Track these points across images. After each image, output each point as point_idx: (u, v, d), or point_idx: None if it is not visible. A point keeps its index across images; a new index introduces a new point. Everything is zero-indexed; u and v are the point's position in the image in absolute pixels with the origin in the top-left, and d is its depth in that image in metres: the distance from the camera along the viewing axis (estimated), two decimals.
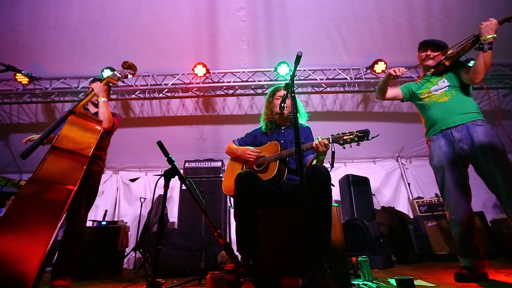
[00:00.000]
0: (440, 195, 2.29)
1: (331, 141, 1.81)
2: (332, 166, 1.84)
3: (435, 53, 2.21)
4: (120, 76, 2.56)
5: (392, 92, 2.40)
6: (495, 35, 1.86)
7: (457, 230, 1.96)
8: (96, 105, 2.52)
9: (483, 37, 1.88)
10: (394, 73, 2.23)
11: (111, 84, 2.62)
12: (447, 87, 2.12)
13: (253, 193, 1.79)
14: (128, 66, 2.60)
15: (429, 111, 2.17)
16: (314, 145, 1.83)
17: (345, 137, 1.77)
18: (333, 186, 1.84)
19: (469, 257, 1.89)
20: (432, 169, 2.15)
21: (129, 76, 2.64)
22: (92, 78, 2.74)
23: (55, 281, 1.95)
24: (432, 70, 2.25)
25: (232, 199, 1.96)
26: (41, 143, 1.97)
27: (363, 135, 1.72)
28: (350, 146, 1.79)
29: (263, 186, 1.90)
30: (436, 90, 2.17)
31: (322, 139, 1.81)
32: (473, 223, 1.93)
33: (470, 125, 1.97)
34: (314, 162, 1.96)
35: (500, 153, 1.87)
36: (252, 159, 2.12)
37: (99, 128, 2.15)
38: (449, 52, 2.17)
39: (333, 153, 1.83)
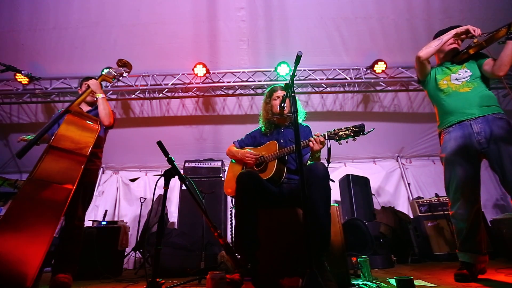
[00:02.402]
0: (441, 193, 2.23)
1: (327, 138, 1.80)
2: (328, 162, 1.83)
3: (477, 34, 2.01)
4: (115, 74, 2.50)
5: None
6: None
7: (463, 225, 1.89)
8: (89, 104, 2.49)
9: None
10: (473, 32, 2.01)
11: (105, 83, 2.57)
12: (468, 77, 2.02)
13: (255, 192, 1.78)
14: (123, 64, 2.55)
15: (447, 101, 2.05)
16: (310, 142, 1.82)
17: (340, 133, 1.75)
18: (333, 181, 1.82)
19: (471, 252, 1.87)
20: (442, 162, 2.05)
21: (125, 74, 2.57)
22: (81, 79, 2.68)
23: (56, 275, 1.95)
24: (451, 58, 2.16)
25: (233, 200, 1.96)
26: (36, 142, 1.97)
27: (358, 130, 1.70)
28: (346, 142, 1.76)
29: (264, 185, 1.90)
30: (456, 79, 2.05)
31: (318, 136, 1.80)
32: (479, 218, 1.89)
33: (492, 118, 1.88)
34: (310, 159, 1.95)
35: None
36: (251, 162, 2.12)
37: (97, 127, 2.14)
38: (474, 41, 2.04)
39: (329, 149, 1.82)
